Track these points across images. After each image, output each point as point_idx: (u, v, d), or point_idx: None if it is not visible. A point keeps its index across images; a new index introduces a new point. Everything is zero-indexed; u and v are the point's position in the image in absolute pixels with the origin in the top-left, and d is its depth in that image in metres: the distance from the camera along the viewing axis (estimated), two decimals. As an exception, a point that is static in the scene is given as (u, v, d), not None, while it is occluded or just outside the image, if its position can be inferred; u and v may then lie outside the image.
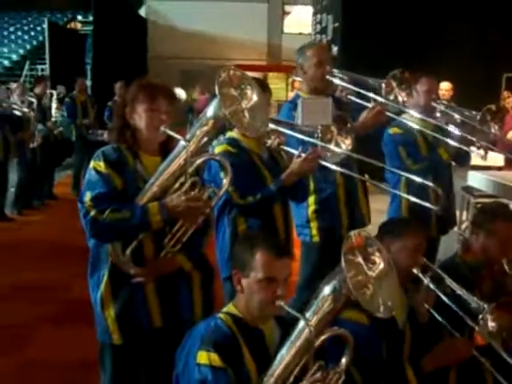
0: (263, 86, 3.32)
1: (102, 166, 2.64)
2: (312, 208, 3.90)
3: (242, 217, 3.33)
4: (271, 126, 3.28)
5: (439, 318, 2.84)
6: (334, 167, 3.43)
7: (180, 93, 13.40)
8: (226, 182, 2.68)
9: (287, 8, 24.54)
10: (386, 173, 4.33)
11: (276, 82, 22.66)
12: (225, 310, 2.41)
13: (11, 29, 24.47)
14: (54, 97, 9.55)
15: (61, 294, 5.57)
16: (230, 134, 3.40)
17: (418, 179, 3.76)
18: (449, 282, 2.89)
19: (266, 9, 24.13)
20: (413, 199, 3.81)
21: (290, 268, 2.37)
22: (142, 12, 23.08)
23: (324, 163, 3.33)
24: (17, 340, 4.63)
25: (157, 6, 23.47)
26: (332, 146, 3.44)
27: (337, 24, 11.72)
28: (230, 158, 3.11)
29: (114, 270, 2.67)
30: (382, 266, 2.41)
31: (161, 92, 2.73)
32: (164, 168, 2.63)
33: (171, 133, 2.67)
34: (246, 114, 2.66)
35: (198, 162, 2.63)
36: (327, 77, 3.97)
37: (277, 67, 23.74)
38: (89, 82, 13.18)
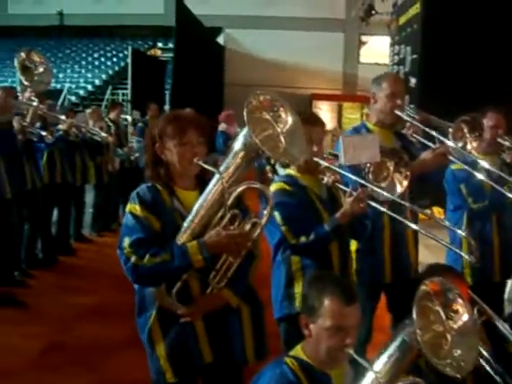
0: (314, 120, 3.26)
1: (137, 209, 2.57)
2: (354, 247, 3.64)
3: (297, 256, 3.21)
4: (322, 162, 3.17)
5: None
6: (382, 209, 3.22)
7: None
8: (266, 212, 2.58)
9: (364, 38, 24.44)
10: (447, 212, 4.20)
11: (351, 112, 22.66)
12: (292, 353, 2.35)
13: (95, 55, 25.35)
14: (129, 122, 9.75)
15: (133, 318, 5.63)
16: (287, 171, 3.32)
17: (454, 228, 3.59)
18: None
19: (342, 38, 24.12)
20: (447, 245, 3.58)
21: (359, 315, 2.28)
22: (220, 40, 23.47)
23: (373, 204, 3.16)
24: (90, 361, 4.69)
25: (235, 34, 23.80)
26: (377, 188, 3.22)
27: (415, 56, 11.59)
28: (286, 197, 3.10)
29: (162, 311, 2.63)
30: (464, 318, 2.23)
31: (190, 124, 2.66)
32: (201, 203, 2.56)
33: (205, 165, 2.59)
34: (282, 138, 2.57)
35: (236, 193, 2.55)
36: (396, 111, 3.79)
37: (352, 97, 23.65)
38: (167, 107, 13.43)
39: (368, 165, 3.26)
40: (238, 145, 2.55)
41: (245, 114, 2.46)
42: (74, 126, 7.20)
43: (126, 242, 2.52)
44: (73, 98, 18.97)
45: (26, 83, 5.98)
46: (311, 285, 2.40)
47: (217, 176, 2.52)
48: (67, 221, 7.93)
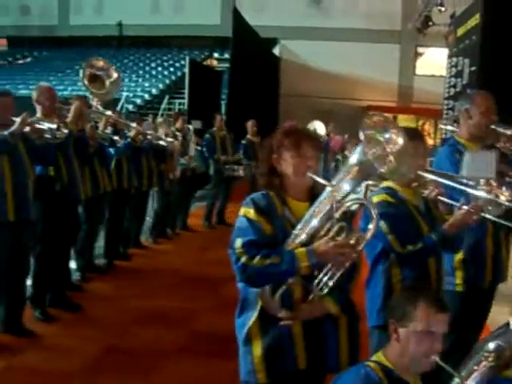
0: (417, 135, 3.32)
1: (251, 213, 2.68)
2: (459, 257, 3.79)
3: (398, 268, 3.27)
4: (428, 175, 3.25)
5: None
6: (496, 219, 3.32)
7: (319, 127, 13.47)
8: (371, 227, 2.63)
9: (420, 49, 24.23)
10: None
11: (406, 125, 22.39)
12: (374, 358, 2.39)
13: (153, 64, 25.80)
14: (191, 131, 9.90)
15: (188, 324, 5.63)
16: (387, 184, 3.37)
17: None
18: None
19: (398, 50, 23.96)
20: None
21: (447, 323, 2.34)
22: (276, 51, 23.58)
23: (486, 216, 3.25)
24: (145, 365, 4.73)
25: (290, 45, 23.89)
26: (495, 198, 3.29)
27: (474, 68, 11.41)
28: (389, 208, 3.17)
29: (263, 312, 2.70)
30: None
31: (306, 138, 2.78)
32: (311, 214, 2.64)
33: (318, 178, 2.68)
34: (392, 158, 2.64)
35: (345, 207, 2.62)
36: (494, 126, 3.92)
37: (407, 109, 23.44)
38: (224, 117, 13.51)
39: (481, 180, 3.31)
40: (352, 161, 2.65)
41: (360, 133, 2.58)
42: (141, 134, 7.35)
43: (239, 242, 2.63)
44: (130, 107, 19.29)
45: (94, 91, 6.16)
46: (406, 291, 2.51)
47: (328, 189, 2.62)
48: (129, 226, 8.05)
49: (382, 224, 3.07)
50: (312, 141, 2.79)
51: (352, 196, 2.68)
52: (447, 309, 2.36)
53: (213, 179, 10.55)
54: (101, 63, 6.24)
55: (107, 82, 6.16)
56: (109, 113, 6.50)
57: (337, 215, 2.59)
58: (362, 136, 2.59)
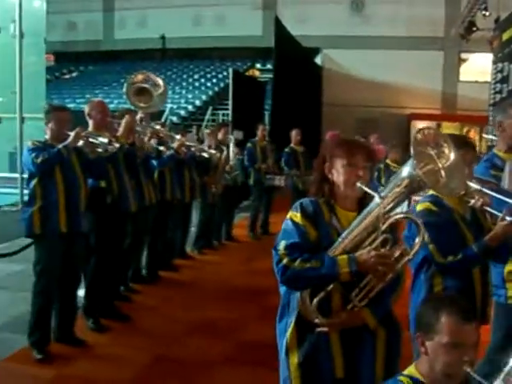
0: (465, 143, 3.30)
1: (298, 217, 2.74)
2: (509, 268, 3.68)
3: (440, 277, 3.28)
4: (474, 185, 3.23)
5: None
6: None
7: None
8: (417, 241, 2.66)
9: (463, 55, 23.90)
10: None
11: (450, 132, 22.10)
12: (406, 372, 2.37)
13: (196, 76, 26.05)
14: (232, 142, 9.98)
15: (235, 334, 5.68)
16: (432, 192, 3.36)
17: None
18: None
19: (441, 56, 23.67)
20: None
21: (478, 333, 2.29)
22: (318, 60, 23.56)
23: None
24: (193, 375, 4.79)
25: (332, 53, 23.85)
26: None
27: (520, 73, 11.27)
28: (432, 217, 3.16)
29: (300, 318, 2.73)
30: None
31: (359, 148, 2.80)
32: (357, 223, 2.68)
33: (367, 189, 2.70)
34: (443, 173, 2.65)
35: (392, 219, 2.65)
36: None
37: (451, 116, 23.13)
38: (267, 128, 13.56)
39: None
40: (402, 174, 2.66)
41: (411, 147, 2.59)
42: (185, 145, 7.44)
43: (282, 244, 2.70)
44: (174, 119, 19.51)
45: (141, 105, 6.29)
46: (427, 303, 2.43)
47: (376, 200, 2.63)
48: (173, 237, 8.13)
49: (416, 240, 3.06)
50: (364, 151, 2.81)
51: (399, 209, 2.74)
52: (474, 318, 2.29)
53: (254, 190, 10.61)
54: (146, 76, 6.37)
55: (155, 95, 6.29)
56: (157, 127, 6.70)
57: (383, 227, 2.61)
58: (412, 150, 2.59)
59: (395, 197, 2.65)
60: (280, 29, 15.10)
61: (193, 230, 9.02)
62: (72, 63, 29.55)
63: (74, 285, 5.27)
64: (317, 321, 2.67)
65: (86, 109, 5.63)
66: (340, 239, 2.68)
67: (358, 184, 2.71)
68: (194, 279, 7.61)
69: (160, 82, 6.40)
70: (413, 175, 2.59)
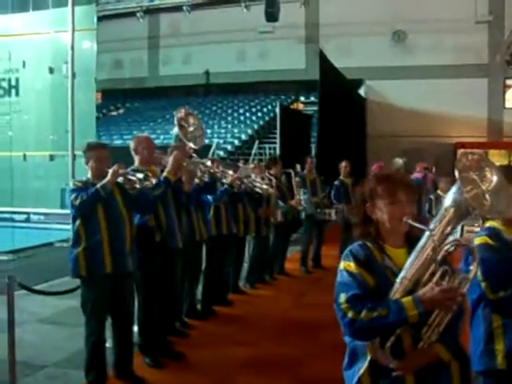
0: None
1: (352, 266, 2.67)
2: None
3: (498, 313, 3.17)
4: None
5: None
6: None
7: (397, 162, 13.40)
8: (473, 268, 2.60)
9: (508, 82, 23.67)
10: None
11: (498, 160, 21.61)
12: None
13: (240, 110, 26.28)
14: (293, 175, 10.01)
15: (292, 371, 5.59)
16: (490, 224, 3.29)
17: None
18: None
19: (486, 83, 23.49)
20: None
21: None
22: (362, 91, 23.58)
23: None
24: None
25: (375, 85, 23.86)
26: None
27: None
28: (488, 252, 3.05)
29: (374, 364, 2.66)
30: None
31: (400, 184, 2.74)
32: (413, 260, 2.61)
33: (415, 224, 2.65)
34: (488, 197, 2.61)
35: (445, 249, 2.60)
36: None
37: (498, 144, 22.84)
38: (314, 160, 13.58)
39: None
40: (448, 202, 2.62)
41: (456, 172, 2.57)
42: (238, 179, 7.46)
43: (343, 297, 2.61)
44: (221, 153, 19.66)
45: (185, 141, 6.31)
46: None
47: (427, 233, 2.59)
48: (228, 272, 8.14)
49: (478, 269, 2.94)
50: (406, 186, 2.75)
51: (450, 238, 2.66)
52: None
53: (305, 223, 10.58)
54: (189, 115, 6.41)
55: (191, 131, 6.33)
56: (208, 163, 6.71)
57: (438, 259, 2.56)
58: (458, 176, 2.57)
59: (445, 226, 2.60)
60: (324, 61, 15.21)
61: (245, 264, 9.01)
62: (119, 100, 30.17)
63: (127, 323, 5.25)
64: (392, 365, 2.61)
65: (132, 144, 5.66)
66: (398, 280, 2.61)
67: (405, 219, 2.66)
68: (247, 314, 7.56)
69: (192, 121, 6.41)
70: (459, 201, 2.56)
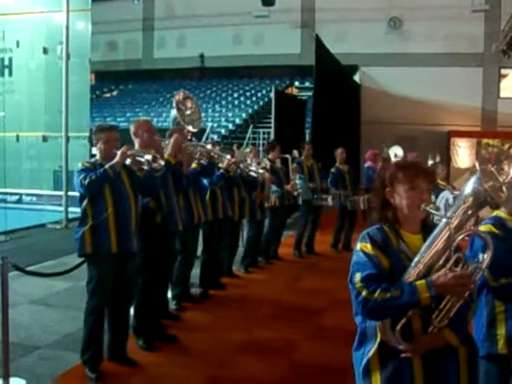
0: None
1: (368, 247, 2.73)
2: None
3: (499, 299, 3.23)
4: None
5: None
6: None
7: (399, 152, 13.44)
8: (487, 257, 2.66)
9: (504, 71, 23.65)
10: None
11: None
12: None
13: (235, 95, 26.22)
14: (290, 161, 10.00)
15: (287, 355, 5.63)
16: (496, 213, 3.34)
17: None
18: None
19: (481, 73, 23.45)
20: None
21: None
22: (357, 78, 23.54)
23: None
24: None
25: (371, 71, 23.81)
26: None
27: None
28: (493, 240, 3.08)
29: (383, 345, 2.71)
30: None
31: (420, 171, 2.82)
32: (428, 245, 2.67)
33: (432, 211, 2.72)
34: (504, 189, 2.68)
35: (461, 237, 2.64)
36: None
37: (492, 134, 22.85)
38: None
39: None
40: (467, 191, 2.68)
41: (476, 163, 2.62)
42: (234, 163, 7.43)
43: (358, 277, 2.68)
44: (215, 137, 19.61)
45: (184, 124, 6.29)
46: None
47: (444, 221, 2.66)
48: (221, 256, 8.13)
49: (481, 255, 2.99)
50: (426, 174, 2.82)
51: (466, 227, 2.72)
52: None
53: (302, 208, 10.58)
54: (188, 99, 6.38)
55: (188, 114, 6.30)
56: (208, 146, 6.73)
57: (453, 246, 2.63)
58: (478, 166, 2.60)
59: (462, 215, 2.66)
60: (320, 47, 15.12)
61: (240, 248, 9.02)
62: (112, 82, 30.01)
63: (126, 304, 5.29)
64: (401, 347, 2.66)
65: (132, 128, 5.65)
66: (413, 264, 2.66)
67: (423, 206, 2.73)
68: (241, 298, 7.57)
69: (189, 104, 6.38)
70: (479, 191, 2.62)
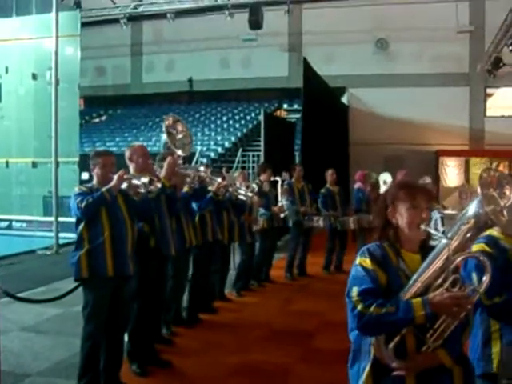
0: None
1: (367, 262, 2.76)
2: None
3: (492, 317, 3.21)
4: None
5: None
6: None
7: (387, 178, 13.48)
8: (485, 280, 2.68)
9: (489, 90, 23.91)
10: None
11: (479, 168, 21.97)
12: None
13: (224, 118, 26.27)
14: (279, 183, 10.01)
15: (280, 378, 5.62)
16: (489, 232, 3.31)
17: None
18: None
19: (467, 92, 23.70)
20: None
21: None
22: (345, 99, 23.69)
23: None
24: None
25: (358, 92, 24.00)
26: None
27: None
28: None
29: (376, 363, 2.71)
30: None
31: (420, 190, 2.87)
32: (427, 265, 2.69)
33: (433, 231, 2.75)
34: (505, 212, 2.71)
35: (460, 259, 2.68)
36: None
37: (479, 152, 23.05)
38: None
39: None
40: (469, 213, 2.70)
41: (478, 187, 2.69)
42: (223, 187, 7.43)
43: (355, 291, 2.70)
44: (204, 160, 19.62)
45: (174, 148, 6.28)
46: None
47: (444, 241, 2.67)
48: (213, 279, 8.09)
49: (474, 276, 3.04)
50: (425, 193, 2.86)
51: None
52: None
53: (292, 230, 10.58)
54: (178, 123, 6.38)
55: (178, 138, 6.30)
56: (201, 169, 6.82)
57: (451, 267, 2.63)
58: (480, 190, 2.67)
59: (463, 236, 2.67)
60: (308, 69, 15.24)
61: (231, 272, 8.97)
62: (101, 107, 30.03)
63: (122, 329, 5.25)
64: (394, 365, 2.66)
65: (127, 153, 5.67)
66: (411, 282, 2.68)
67: (423, 226, 2.75)
68: (234, 322, 7.53)
69: (180, 127, 6.38)
70: (480, 214, 2.63)
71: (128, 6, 22.63)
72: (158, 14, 23.08)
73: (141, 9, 22.46)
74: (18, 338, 6.54)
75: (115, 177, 4.95)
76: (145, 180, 5.07)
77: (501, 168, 22.33)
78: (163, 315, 6.69)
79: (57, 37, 12.72)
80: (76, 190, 5.02)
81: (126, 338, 5.52)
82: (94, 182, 5.14)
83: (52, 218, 12.68)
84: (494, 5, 20.48)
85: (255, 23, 20.32)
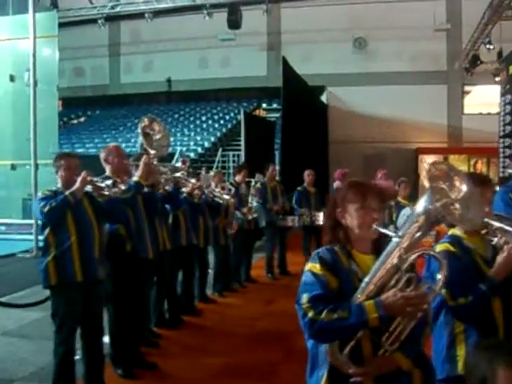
0: (483, 181, 3.27)
1: (317, 267, 2.67)
2: None
3: (457, 319, 3.16)
4: (496, 223, 3.10)
5: None
6: None
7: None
8: (440, 277, 2.59)
9: (467, 88, 24.11)
10: None
11: (458, 165, 21.95)
12: None
13: (203, 118, 26.23)
14: (252, 184, 9.97)
15: (263, 378, 5.62)
16: (452, 231, 3.31)
17: None
18: None
19: (445, 90, 23.89)
20: None
21: None
22: (324, 98, 23.75)
23: None
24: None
25: (337, 91, 24.06)
26: None
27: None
28: (449, 259, 2.96)
29: (333, 370, 2.63)
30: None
31: (370, 190, 2.78)
32: (378, 266, 2.61)
33: (384, 230, 2.67)
34: (457, 205, 2.60)
35: (412, 257, 2.58)
36: None
37: (458, 149, 23.24)
38: (278, 168, 13.59)
39: None
40: (418, 210, 2.60)
41: (426, 182, 2.60)
42: (198, 188, 7.37)
43: (305, 297, 2.59)
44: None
45: (148, 149, 6.19)
46: (480, 354, 2.32)
47: (395, 240, 2.60)
48: (191, 282, 8.00)
49: (438, 277, 2.95)
50: (376, 192, 2.79)
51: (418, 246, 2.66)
52: None
53: (266, 231, 10.54)
54: (154, 123, 6.28)
55: (155, 139, 6.19)
56: (178, 164, 6.80)
57: (404, 266, 2.55)
58: (428, 185, 2.58)
59: (413, 234, 2.58)
60: (287, 68, 15.25)
61: (211, 272, 8.95)
62: (80, 108, 29.84)
63: (97, 333, 5.15)
64: (350, 371, 2.57)
65: (102, 154, 5.60)
66: (363, 284, 2.60)
67: (374, 226, 2.69)
68: (217, 323, 7.51)
69: (157, 127, 6.26)
70: (430, 210, 2.55)
71: (105, 6, 22.53)
72: (136, 13, 23.01)
73: (118, 9, 22.35)
74: (1, 343, 6.48)
75: (78, 179, 4.85)
76: (108, 182, 5.00)
77: (479, 165, 22.57)
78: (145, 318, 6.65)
79: (34, 37, 12.61)
80: (39, 194, 4.94)
81: (107, 341, 5.49)
82: (59, 184, 5.02)
83: (32, 221, 12.56)
84: (470, 3, 20.67)
85: (234, 23, 20.30)
